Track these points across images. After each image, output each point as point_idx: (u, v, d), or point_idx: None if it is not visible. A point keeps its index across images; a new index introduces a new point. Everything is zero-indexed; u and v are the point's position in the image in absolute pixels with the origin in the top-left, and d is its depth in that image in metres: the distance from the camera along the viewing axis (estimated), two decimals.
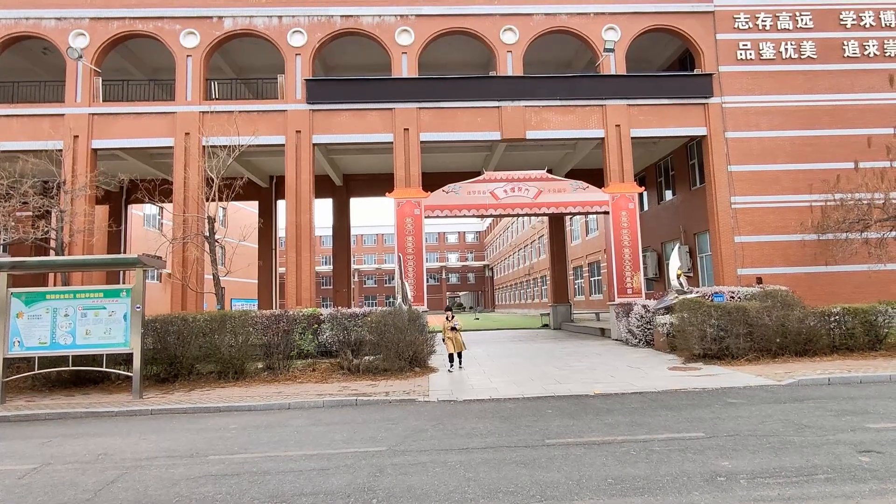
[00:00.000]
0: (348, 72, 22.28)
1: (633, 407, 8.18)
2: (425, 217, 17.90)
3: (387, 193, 18.44)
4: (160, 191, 18.01)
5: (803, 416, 7.21)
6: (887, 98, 18.17)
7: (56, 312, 10.55)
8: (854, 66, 19.03)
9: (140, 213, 32.56)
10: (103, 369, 10.79)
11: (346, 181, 26.18)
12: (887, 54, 19.04)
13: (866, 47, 19.09)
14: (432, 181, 19.67)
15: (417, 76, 18.70)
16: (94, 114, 18.10)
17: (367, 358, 12.17)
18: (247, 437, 7.23)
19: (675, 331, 13.55)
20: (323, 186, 24.20)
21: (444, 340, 12.50)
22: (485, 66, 21.66)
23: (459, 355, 12.50)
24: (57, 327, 10.50)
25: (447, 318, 12.44)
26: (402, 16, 18.80)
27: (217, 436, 7.34)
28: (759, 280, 17.50)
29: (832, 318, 12.61)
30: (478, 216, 19.11)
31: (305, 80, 18.45)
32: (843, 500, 4.34)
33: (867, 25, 19.22)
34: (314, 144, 18.50)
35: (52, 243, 16.02)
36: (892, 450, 5.57)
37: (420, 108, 18.52)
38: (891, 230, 16.19)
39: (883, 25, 19.22)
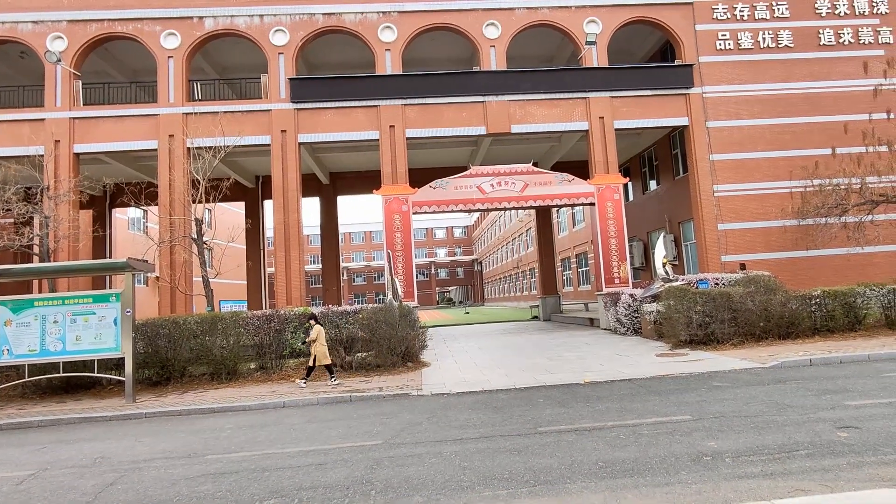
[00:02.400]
0: (332, 70, 22.22)
1: (622, 393, 8.38)
2: (413, 213, 17.97)
3: (374, 191, 18.48)
4: (146, 194, 17.87)
5: (786, 396, 7.45)
6: (862, 85, 18.52)
7: (45, 319, 10.50)
8: (830, 55, 19.39)
9: (124, 217, 32.19)
10: (95, 374, 10.77)
11: (333, 179, 26.13)
12: (861, 42, 19.42)
13: (841, 35, 19.45)
14: (419, 177, 19.73)
15: (402, 73, 18.71)
16: (74, 118, 17.89)
17: (359, 355, 12.27)
18: (243, 436, 7.30)
19: (662, 318, 13.81)
20: (310, 185, 24.14)
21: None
22: (469, 62, 21.72)
23: (329, 368, 10.89)
24: (46, 334, 10.46)
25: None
26: (384, 12, 18.78)
27: (213, 436, 7.40)
28: (743, 266, 17.84)
29: (813, 301, 12.95)
30: (465, 211, 19.23)
31: (289, 79, 18.38)
32: (822, 474, 4.54)
33: (841, 14, 19.57)
34: (300, 143, 18.45)
35: (37, 249, 15.86)
36: (869, 425, 5.81)
37: (405, 104, 18.54)
38: (868, 214, 16.58)
39: (856, 13, 19.59)
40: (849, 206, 16.38)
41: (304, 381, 10.81)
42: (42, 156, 17.10)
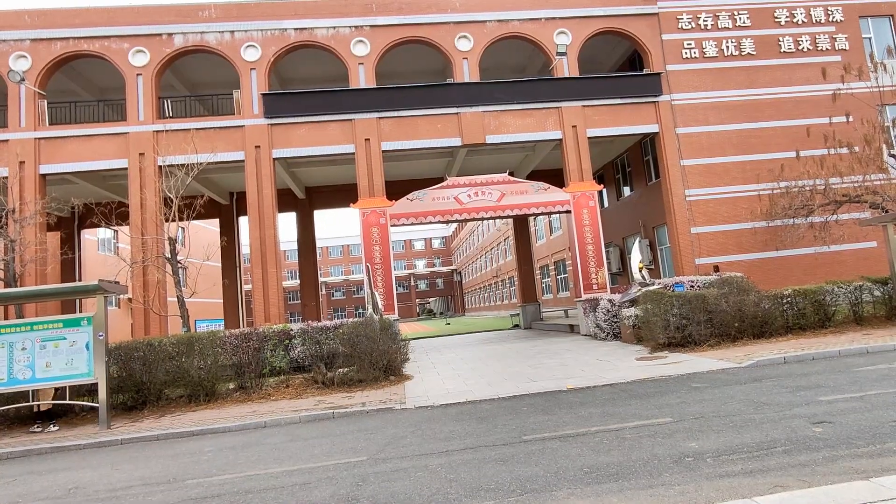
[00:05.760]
0: (306, 84, 22.15)
1: (604, 398, 8.45)
2: (391, 225, 17.94)
3: (351, 204, 18.41)
4: (116, 214, 17.49)
5: (762, 394, 7.61)
6: (822, 89, 19.19)
7: (12, 346, 10.16)
8: (790, 61, 20.09)
9: (94, 238, 31.42)
10: (66, 402, 10.43)
11: (309, 193, 25.96)
12: (819, 48, 20.19)
13: (800, 42, 20.20)
14: (396, 189, 19.75)
15: (375, 86, 18.76)
16: (40, 138, 17.45)
17: (341, 370, 12.13)
18: (224, 458, 7.15)
19: (641, 322, 14.00)
20: (285, 200, 23.94)
21: None
22: (442, 73, 21.90)
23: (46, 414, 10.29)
24: (14, 362, 10.12)
25: None
26: (356, 27, 18.85)
27: (193, 460, 7.23)
28: (716, 268, 18.24)
29: (785, 300, 13.27)
30: (444, 222, 19.27)
31: (262, 94, 18.27)
32: (800, 469, 4.65)
33: (799, 22, 20.34)
34: (274, 159, 18.30)
35: (2, 274, 15.35)
36: (842, 419, 5.97)
37: (380, 117, 18.58)
38: (832, 214, 17.14)
39: (814, 21, 20.38)
40: (814, 207, 16.91)
41: (52, 424, 10.28)
42: (6, 178, 16.64)
